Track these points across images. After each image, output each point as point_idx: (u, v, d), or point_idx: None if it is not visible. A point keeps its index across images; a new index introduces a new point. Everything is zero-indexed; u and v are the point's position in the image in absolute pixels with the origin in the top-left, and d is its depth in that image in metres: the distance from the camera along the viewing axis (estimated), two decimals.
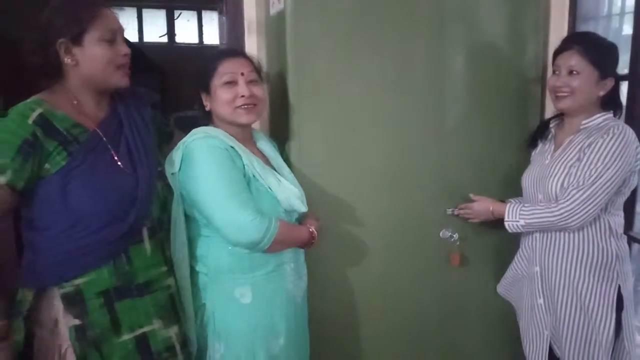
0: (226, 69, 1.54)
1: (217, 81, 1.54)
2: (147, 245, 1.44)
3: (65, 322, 1.35)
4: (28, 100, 1.33)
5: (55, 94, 1.38)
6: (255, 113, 1.57)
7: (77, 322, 1.35)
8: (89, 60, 1.36)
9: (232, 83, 1.53)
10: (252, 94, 1.54)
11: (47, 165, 1.31)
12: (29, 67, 1.37)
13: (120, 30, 1.41)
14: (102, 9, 1.38)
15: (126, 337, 1.40)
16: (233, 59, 1.56)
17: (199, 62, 1.60)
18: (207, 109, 1.59)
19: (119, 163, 1.40)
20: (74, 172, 1.32)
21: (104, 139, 1.39)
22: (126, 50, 1.41)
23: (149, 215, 1.44)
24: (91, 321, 1.36)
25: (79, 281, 1.35)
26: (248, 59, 1.60)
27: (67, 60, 1.36)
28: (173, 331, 1.48)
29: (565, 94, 1.69)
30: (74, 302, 1.35)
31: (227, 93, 1.53)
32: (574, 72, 1.67)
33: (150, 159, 1.46)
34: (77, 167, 1.32)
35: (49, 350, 1.37)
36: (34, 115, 1.29)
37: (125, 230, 1.37)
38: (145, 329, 1.43)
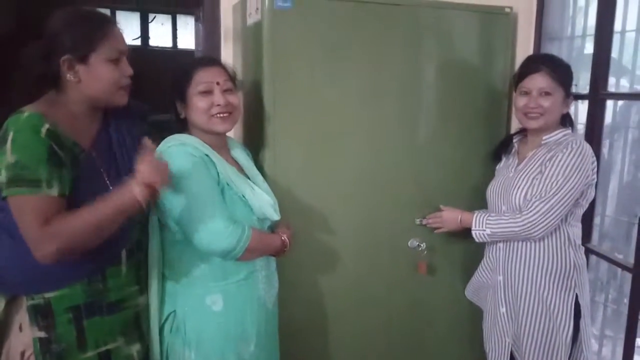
0: (202, 78, 1.54)
1: (193, 90, 1.54)
2: (124, 266, 1.44)
3: (31, 331, 1.33)
4: (28, 114, 1.27)
5: (51, 108, 1.33)
6: (230, 122, 1.58)
7: (42, 334, 1.33)
8: (93, 79, 1.34)
9: (207, 92, 1.54)
10: (227, 102, 1.55)
11: (72, 172, 1.30)
12: (28, 73, 1.32)
13: (127, 50, 1.39)
14: (111, 29, 1.35)
15: (90, 353, 1.38)
16: (209, 68, 1.57)
17: (175, 70, 1.60)
18: (182, 116, 1.59)
19: (109, 186, 1.37)
20: (72, 191, 1.30)
21: (96, 160, 1.38)
22: (130, 71, 1.39)
23: (128, 239, 1.43)
24: (57, 335, 1.34)
25: (50, 295, 1.33)
26: (223, 67, 1.61)
27: (69, 76, 1.33)
28: (135, 349, 1.48)
29: (537, 115, 1.76)
30: (42, 314, 1.33)
31: (202, 102, 1.54)
32: (546, 93, 1.74)
33: None
34: (75, 187, 1.30)
35: (12, 353, 1.36)
36: (44, 130, 1.26)
37: (105, 253, 1.36)
38: (110, 346, 1.42)
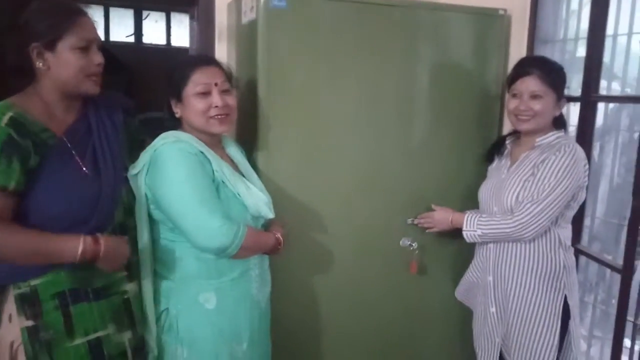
0: (200, 79, 1.53)
1: (191, 90, 1.53)
2: None
3: (19, 321, 1.34)
4: None
5: (26, 98, 1.38)
6: (228, 123, 1.58)
7: (30, 323, 1.34)
8: (61, 67, 1.36)
9: (205, 93, 1.53)
10: (225, 104, 1.54)
11: (31, 162, 1.30)
12: (6, 65, 1.36)
13: (96, 39, 1.41)
14: (79, 17, 1.37)
15: (79, 341, 1.38)
16: (206, 68, 1.55)
17: (171, 69, 1.59)
18: (178, 115, 1.58)
19: (84, 168, 1.40)
20: (41, 176, 1.32)
21: (69, 145, 1.39)
22: (99, 60, 1.40)
23: (111, 220, 1.44)
24: (45, 323, 1.35)
25: (35, 282, 1.34)
26: (220, 67, 1.60)
27: (38, 64, 1.36)
28: (126, 336, 1.48)
29: (528, 117, 1.77)
30: (29, 302, 1.34)
31: (200, 103, 1.53)
32: (536, 96, 1.75)
33: (116, 164, 1.46)
34: (42, 171, 1.32)
35: (2, 344, 1.36)
36: (5, 118, 1.28)
37: (85, 234, 1.36)
38: (100, 333, 1.42)
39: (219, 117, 1.54)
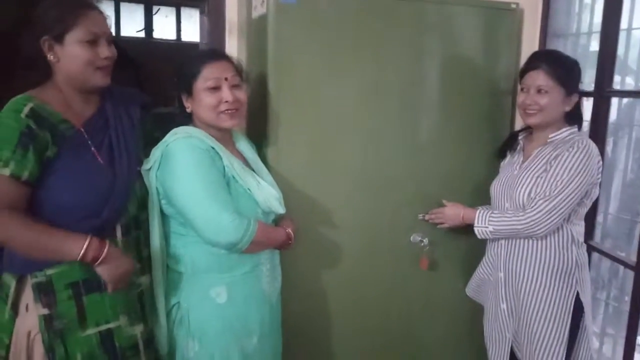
0: (210, 74, 1.53)
1: (201, 85, 1.54)
2: (120, 242, 1.45)
3: (36, 310, 1.36)
4: (18, 97, 1.35)
5: (45, 90, 1.40)
6: (238, 117, 1.58)
7: (45, 311, 1.37)
8: (69, 59, 1.39)
9: (216, 88, 1.53)
10: (235, 99, 1.54)
11: (48, 153, 1.33)
12: (23, 59, 1.40)
13: (105, 33, 1.42)
14: (87, 11, 1.39)
15: (91, 331, 1.41)
16: (217, 63, 1.55)
17: (181, 64, 1.59)
18: (189, 110, 1.59)
19: (100, 160, 1.42)
20: (56, 166, 1.35)
21: (86, 136, 1.41)
22: (107, 53, 1.42)
23: (123, 213, 1.46)
24: (59, 312, 1.37)
25: (50, 271, 1.37)
26: (231, 62, 1.60)
27: (50, 57, 1.39)
28: (138, 329, 1.49)
29: (535, 111, 1.76)
30: (45, 291, 1.37)
31: (211, 98, 1.53)
32: (542, 91, 1.74)
33: (131, 157, 1.48)
34: (59, 162, 1.35)
35: (20, 334, 1.39)
36: (26, 109, 1.32)
37: (98, 225, 1.39)
38: (111, 324, 1.44)
39: (229, 111, 1.55)
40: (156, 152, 1.51)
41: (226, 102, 1.53)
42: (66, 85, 1.42)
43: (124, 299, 1.46)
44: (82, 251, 1.32)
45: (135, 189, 1.49)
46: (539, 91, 1.74)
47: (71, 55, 1.38)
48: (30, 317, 1.38)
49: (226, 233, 1.43)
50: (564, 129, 1.78)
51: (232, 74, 1.56)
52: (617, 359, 2.22)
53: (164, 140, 1.52)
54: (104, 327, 1.42)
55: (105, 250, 1.35)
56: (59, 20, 1.36)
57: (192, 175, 1.45)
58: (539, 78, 1.74)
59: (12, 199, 1.30)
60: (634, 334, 1.84)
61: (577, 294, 1.75)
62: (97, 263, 1.35)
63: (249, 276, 1.58)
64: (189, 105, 1.59)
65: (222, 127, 1.57)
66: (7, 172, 1.28)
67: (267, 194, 1.58)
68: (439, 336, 2.15)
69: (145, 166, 1.52)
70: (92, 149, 1.42)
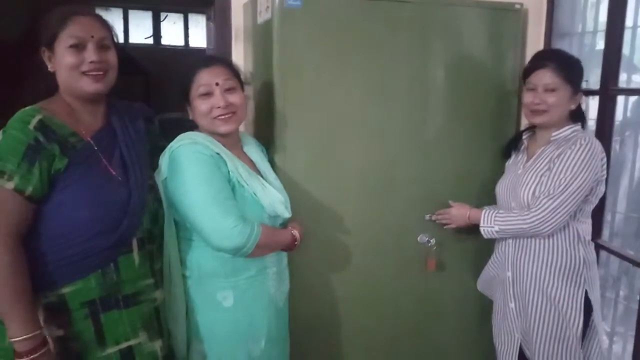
0: (201, 80, 1.54)
1: (195, 92, 1.55)
2: (136, 256, 1.42)
3: (49, 332, 1.31)
4: (27, 108, 1.34)
5: (53, 102, 1.39)
6: (234, 121, 1.57)
7: (60, 332, 1.32)
8: (58, 66, 1.38)
9: (208, 94, 1.54)
10: (228, 103, 1.54)
11: (56, 165, 1.30)
12: (31, 70, 1.40)
13: (94, 37, 1.38)
14: (75, 17, 1.37)
15: (111, 350, 1.37)
16: (208, 69, 1.55)
17: (180, 73, 1.60)
18: (191, 117, 1.60)
19: (112, 172, 1.40)
20: (68, 181, 1.32)
21: (96, 148, 1.39)
22: (93, 57, 1.37)
23: (139, 226, 1.43)
24: (75, 332, 1.33)
25: (65, 290, 1.32)
26: (225, 66, 1.59)
27: (49, 66, 1.39)
28: (158, 345, 1.47)
29: (542, 111, 1.76)
30: (58, 311, 1.32)
31: (203, 105, 1.54)
32: (551, 90, 1.74)
33: (143, 170, 1.47)
34: (71, 175, 1.32)
35: None
36: (34, 121, 1.29)
37: (116, 239, 1.36)
38: (132, 342, 1.40)
39: (223, 117, 1.54)
40: (163, 160, 1.52)
41: (218, 107, 1.53)
42: (68, 95, 1.41)
43: (142, 315, 1.43)
44: (23, 338, 1.24)
45: (148, 202, 1.47)
46: (546, 90, 1.74)
47: (59, 62, 1.37)
48: None
49: (230, 238, 1.42)
50: (567, 127, 1.78)
51: (224, 78, 1.55)
52: (627, 357, 2.21)
53: (169, 146, 1.53)
54: (124, 345, 1.39)
55: (43, 351, 1.26)
56: (49, 28, 1.36)
57: (195, 181, 1.45)
58: (547, 76, 1.74)
59: (15, 214, 1.26)
60: None
61: (586, 292, 1.74)
62: (28, 358, 1.25)
63: (256, 279, 1.58)
64: (190, 113, 1.60)
65: (218, 132, 1.56)
66: (11, 185, 1.25)
67: (272, 197, 1.57)
68: (448, 337, 2.15)
69: (160, 177, 1.52)
70: (104, 161, 1.39)
